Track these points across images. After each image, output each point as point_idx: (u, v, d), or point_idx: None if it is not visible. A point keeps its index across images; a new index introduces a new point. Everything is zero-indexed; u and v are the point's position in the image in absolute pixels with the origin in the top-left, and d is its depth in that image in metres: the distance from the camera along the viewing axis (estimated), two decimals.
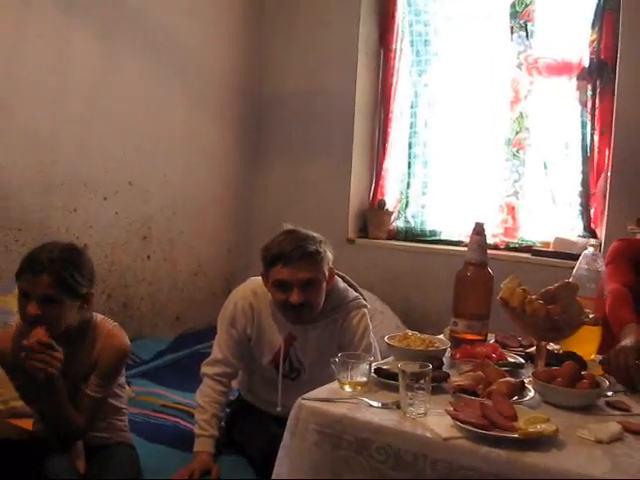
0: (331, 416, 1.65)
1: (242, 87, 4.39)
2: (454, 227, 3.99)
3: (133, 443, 2.36)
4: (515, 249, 3.81)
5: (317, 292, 2.31)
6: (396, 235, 4.16)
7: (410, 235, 4.12)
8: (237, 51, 4.35)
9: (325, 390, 1.78)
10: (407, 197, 4.16)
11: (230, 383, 2.53)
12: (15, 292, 2.84)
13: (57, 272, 2.04)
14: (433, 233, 4.06)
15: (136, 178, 3.77)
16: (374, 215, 4.18)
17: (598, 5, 3.58)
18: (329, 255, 2.35)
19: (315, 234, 2.36)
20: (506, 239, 3.86)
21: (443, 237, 4.02)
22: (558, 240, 3.61)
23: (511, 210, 3.86)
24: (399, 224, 4.17)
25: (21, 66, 3.19)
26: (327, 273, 2.34)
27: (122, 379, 2.36)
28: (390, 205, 4.19)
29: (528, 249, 3.73)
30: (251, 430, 2.47)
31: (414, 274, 3.88)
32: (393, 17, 4.16)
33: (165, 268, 3.98)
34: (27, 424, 2.36)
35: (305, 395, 1.73)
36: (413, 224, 4.13)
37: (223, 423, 2.53)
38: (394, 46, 4.16)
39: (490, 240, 3.83)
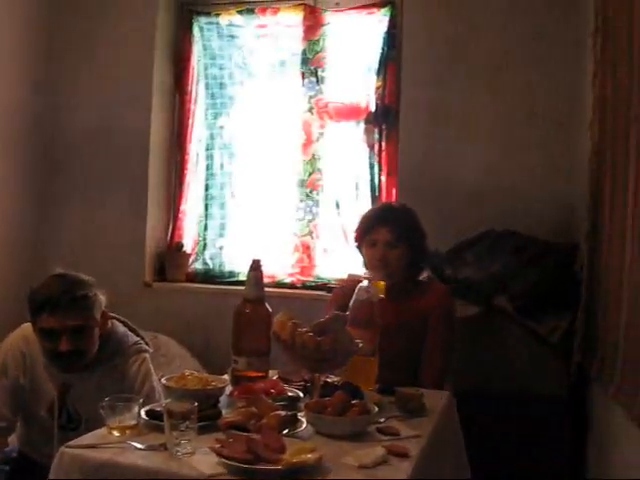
0: (95, 462, 1.58)
1: (31, 127, 4.17)
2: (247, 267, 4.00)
3: None
4: (312, 287, 3.88)
5: (88, 339, 2.23)
6: (195, 277, 4.11)
7: (209, 277, 4.09)
8: (27, 90, 4.15)
9: (91, 436, 1.71)
10: (205, 239, 4.14)
11: (6, 438, 2.39)
12: None
13: None
14: (231, 274, 4.06)
15: None
16: (172, 258, 4.12)
17: (382, 54, 3.79)
18: (101, 299, 2.28)
19: (86, 277, 2.28)
20: (302, 278, 3.93)
21: (241, 278, 4.02)
22: (351, 277, 3.72)
23: (306, 249, 3.95)
24: (197, 266, 4.13)
25: None
26: (99, 318, 2.26)
27: None
28: (188, 247, 4.14)
29: (324, 286, 3.81)
30: None
31: (214, 316, 3.84)
32: (189, 59, 4.17)
33: None
34: None
35: (68, 443, 1.66)
36: (211, 266, 4.11)
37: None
38: (189, 88, 4.17)
39: (287, 279, 3.92)
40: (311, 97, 3.96)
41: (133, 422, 1.74)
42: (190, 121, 4.17)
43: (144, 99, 4.06)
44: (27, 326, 2.35)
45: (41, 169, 4.24)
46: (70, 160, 4.22)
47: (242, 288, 3.81)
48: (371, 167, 3.84)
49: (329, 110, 3.96)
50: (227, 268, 4.10)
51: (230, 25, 4.15)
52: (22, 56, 4.14)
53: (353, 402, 1.86)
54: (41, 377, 2.32)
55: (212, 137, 4.16)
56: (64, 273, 2.27)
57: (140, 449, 1.61)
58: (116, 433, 1.71)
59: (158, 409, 1.80)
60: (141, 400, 1.83)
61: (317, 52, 3.98)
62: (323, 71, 3.98)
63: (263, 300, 2.14)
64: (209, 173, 4.14)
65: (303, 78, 3.98)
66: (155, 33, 4.10)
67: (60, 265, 2.36)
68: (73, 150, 4.21)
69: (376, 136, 3.84)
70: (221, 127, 4.16)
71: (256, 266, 2.16)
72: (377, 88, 3.83)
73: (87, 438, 1.69)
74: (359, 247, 2.77)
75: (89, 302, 2.22)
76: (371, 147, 3.85)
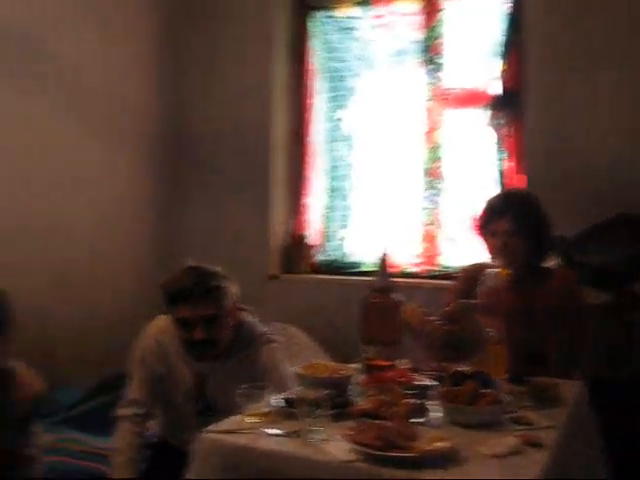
0: (232, 447, 1.64)
1: (159, 125, 4.38)
2: (375, 258, 4.01)
3: None
4: (436, 276, 3.85)
5: (221, 328, 2.30)
6: (319, 269, 4.18)
7: (333, 268, 4.14)
8: (154, 90, 4.35)
9: (228, 422, 1.77)
10: (328, 230, 4.20)
11: (145, 424, 2.49)
12: None
13: None
14: (355, 265, 4.09)
15: (55, 222, 3.71)
16: (296, 250, 4.19)
17: (505, 37, 3.70)
18: (232, 290, 2.34)
19: (217, 269, 2.35)
20: (427, 267, 3.90)
21: (365, 268, 4.04)
22: (474, 264, 3.65)
23: (431, 238, 3.92)
24: (321, 258, 4.19)
25: None
26: (230, 308, 2.33)
27: (35, 426, 2.31)
28: (312, 239, 4.20)
29: (449, 276, 3.77)
30: (170, 470, 2.42)
31: (339, 306, 3.88)
32: (307, 54, 4.24)
33: (86, 313, 3.90)
34: None
35: (208, 428, 1.73)
36: (335, 257, 4.16)
37: (143, 465, 2.49)
38: (309, 82, 4.23)
39: (411, 269, 3.91)
40: (431, 85, 3.93)
41: (267, 409, 1.78)
42: (310, 115, 4.23)
43: (265, 96, 4.16)
44: (162, 318, 2.46)
45: (170, 167, 4.43)
46: (197, 157, 4.39)
47: (366, 278, 3.89)
48: (495, 153, 3.76)
49: (450, 97, 3.91)
50: (351, 259, 4.13)
51: (347, 18, 4.18)
52: (150, 61, 4.34)
53: (484, 391, 1.83)
54: (177, 366, 2.41)
55: (332, 129, 4.20)
56: (196, 265, 2.35)
57: (275, 435, 1.66)
58: (251, 420, 1.76)
59: (291, 397, 1.84)
60: (275, 388, 1.87)
61: (435, 39, 3.94)
62: (442, 58, 3.93)
63: (391, 290, 2.13)
64: (331, 165, 4.19)
65: (422, 66, 3.95)
66: (274, 30, 4.20)
67: (190, 257, 2.45)
68: (200, 148, 4.37)
69: (501, 121, 3.76)
70: (341, 119, 4.19)
71: (384, 256, 2.16)
72: (500, 72, 3.75)
73: (224, 424, 1.75)
74: (481, 236, 2.73)
75: (221, 293, 2.29)
76: (495, 132, 3.77)
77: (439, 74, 3.92)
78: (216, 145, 4.31)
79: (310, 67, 4.25)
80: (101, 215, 4.01)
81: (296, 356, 3.51)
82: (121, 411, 2.46)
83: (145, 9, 4.29)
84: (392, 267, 2.26)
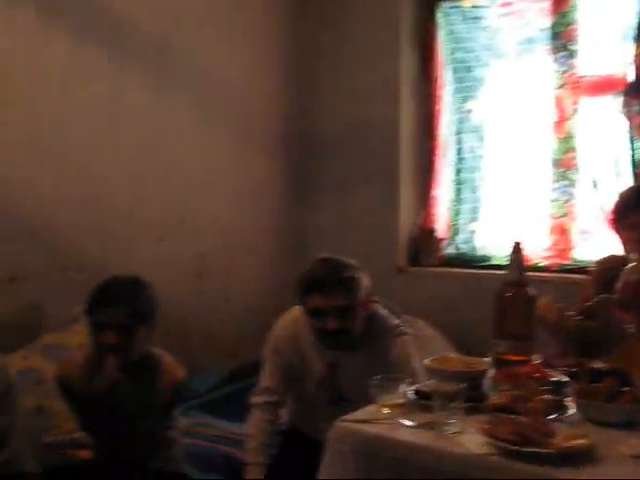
0: (367, 436, 1.67)
1: (286, 123, 4.48)
2: (505, 251, 3.94)
3: (187, 472, 2.42)
4: (568, 270, 3.74)
5: (353, 318, 2.34)
6: (448, 262, 4.15)
7: (462, 261, 4.10)
8: (281, 88, 4.46)
9: (362, 412, 1.80)
10: (457, 223, 4.16)
11: (277, 411, 2.58)
12: (75, 329, 2.98)
13: (131, 302, 2.14)
14: (485, 258, 4.03)
15: (188, 216, 3.87)
16: (424, 243, 4.18)
17: (638, 20, 3.55)
18: (365, 282, 2.37)
19: (349, 260, 2.39)
20: (559, 261, 3.80)
21: (494, 262, 3.98)
22: (609, 257, 3.52)
23: (562, 231, 3.81)
24: (450, 251, 4.16)
25: (73, 110, 3.34)
26: (363, 299, 2.36)
27: (176, 411, 2.43)
28: (440, 232, 4.18)
29: (581, 270, 3.66)
30: (300, 457, 2.48)
31: (467, 300, 3.85)
32: (434, 46, 4.21)
33: (219, 304, 4.05)
34: (86, 454, 2.46)
35: (343, 417, 1.76)
36: (464, 250, 4.12)
37: (274, 450, 2.56)
38: (436, 74, 4.19)
39: (542, 263, 3.81)
40: (563, 72, 3.80)
41: (401, 401, 1.80)
42: (438, 107, 4.20)
43: (393, 88, 4.17)
44: (296, 309, 2.52)
45: (299, 163, 4.53)
46: (326, 151, 4.45)
47: (496, 272, 3.85)
48: (631, 141, 3.60)
49: (583, 84, 3.78)
50: (480, 252, 4.08)
51: (474, 7, 4.11)
52: (275, 58, 4.44)
53: (623, 389, 1.78)
54: (310, 356, 2.47)
55: (461, 121, 4.15)
56: (330, 257, 2.41)
57: (409, 426, 1.67)
58: (386, 410, 1.78)
59: (425, 389, 1.85)
60: (409, 380, 1.89)
61: (567, 25, 3.81)
62: (574, 44, 3.79)
63: (525, 283, 2.09)
64: (459, 157, 4.15)
65: (553, 53, 3.83)
66: (400, 23, 4.19)
67: (319, 250, 2.51)
68: (328, 143, 4.43)
69: (636, 108, 3.60)
70: (469, 110, 4.14)
71: (517, 249, 2.12)
72: (635, 56, 3.59)
73: (359, 414, 1.79)
74: (616, 229, 2.63)
75: (354, 283, 2.33)
76: (630, 120, 3.61)
77: (571, 61, 3.79)
78: (344, 140, 4.35)
79: (437, 59, 4.21)
80: (234, 210, 4.16)
81: (423, 349, 3.52)
82: (254, 399, 2.56)
83: (269, 6, 4.38)
84: (524, 260, 2.19)
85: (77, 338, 3.00)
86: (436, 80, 4.21)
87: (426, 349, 3.47)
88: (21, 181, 3.14)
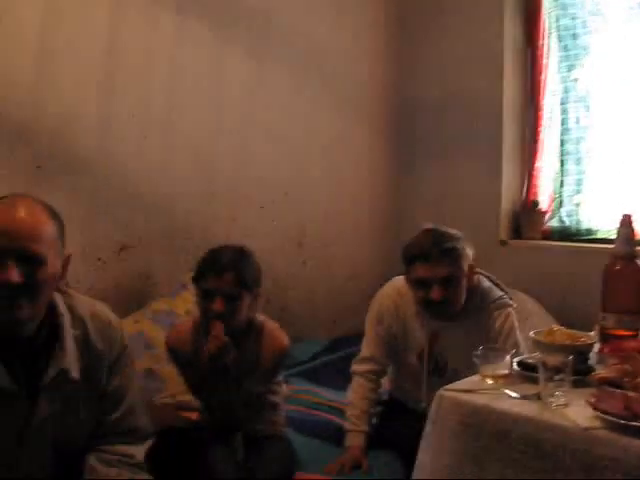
0: (472, 406, 1.67)
1: (386, 93, 4.49)
2: (610, 225, 3.83)
3: (288, 437, 2.48)
4: None
5: (457, 288, 2.34)
6: (551, 235, 4.06)
7: (565, 235, 4.01)
8: (380, 58, 4.46)
9: (466, 382, 1.81)
10: (561, 196, 4.05)
11: (379, 380, 2.60)
12: (182, 295, 3.08)
13: (238, 270, 2.21)
14: (589, 232, 3.93)
15: (290, 186, 3.94)
16: (527, 216, 4.11)
17: None
18: (468, 252, 2.37)
19: (454, 231, 2.39)
20: None
21: (599, 235, 3.87)
22: None
23: None
24: (553, 224, 4.07)
25: (180, 84, 3.43)
26: (466, 270, 2.36)
27: (280, 377, 2.50)
28: (544, 204, 4.10)
29: None
30: (399, 426, 2.52)
31: (570, 274, 3.77)
32: (539, 12, 4.10)
33: (320, 273, 4.12)
34: (194, 416, 2.56)
35: (447, 386, 1.77)
36: (568, 223, 4.02)
37: (374, 419, 2.60)
38: (541, 42, 4.09)
39: None
40: None
41: (505, 372, 1.80)
42: (543, 76, 4.10)
43: (496, 57, 4.10)
44: (399, 279, 2.54)
45: (401, 131, 4.54)
46: (428, 125, 4.44)
47: (601, 246, 3.76)
48: None
49: None
50: (584, 225, 3.97)
51: None
52: (379, 28, 4.44)
53: None
54: (412, 326, 2.49)
55: (566, 91, 4.03)
56: (435, 227, 2.42)
57: (514, 397, 1.67)
58: (490, 381, 1.79)
59: (529, 361, 1.84)
60: (513, 351, 1.89)
61: None
62: None
63: (634, 257, 2.05)
64: (564, 128, 4.03)
65: None
66: None
67: (421, 221, 2.51)
68: (430, 115, 4.42)
69: None
70: (576, 80, 4.00)
71: (627, 222, 2.07)
72: None
73: (463, 383, 1.79)
74: None
75: (457, 254, 2.34)
76: None
77: None
78: (447, 109, 4.32)
79: (542, 26, 4.10)
80: (336, 182, 4.20)
81: (524, 322, 3.48)
82: (356, 367, 2.60)
83: None
84: (634, 234, 2.14)
85: (184, 305, 3.12)
86: (541, 48, 4.10)
87: (527, 322, 3.44)
88: (132, 153, 3.26)
